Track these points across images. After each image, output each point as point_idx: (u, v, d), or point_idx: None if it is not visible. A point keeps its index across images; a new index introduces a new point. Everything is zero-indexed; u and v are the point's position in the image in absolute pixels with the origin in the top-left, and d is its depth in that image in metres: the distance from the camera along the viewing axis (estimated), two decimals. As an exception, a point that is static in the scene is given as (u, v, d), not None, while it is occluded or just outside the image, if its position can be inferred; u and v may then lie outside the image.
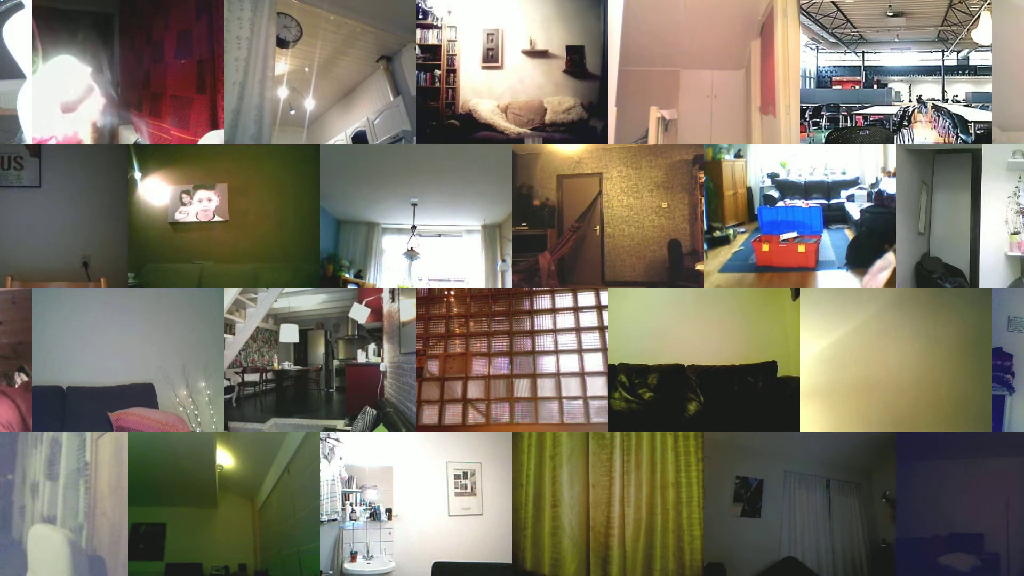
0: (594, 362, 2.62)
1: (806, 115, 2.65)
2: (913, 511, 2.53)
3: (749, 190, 2.83)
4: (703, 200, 2.61)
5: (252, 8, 2.52)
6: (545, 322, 2.69)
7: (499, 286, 2.70)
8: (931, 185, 2.68)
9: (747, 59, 2.84)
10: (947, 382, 2.51)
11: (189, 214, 2.62)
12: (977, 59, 2.71)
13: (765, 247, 2.68)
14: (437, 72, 2.64)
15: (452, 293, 2.70)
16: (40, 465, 2.60)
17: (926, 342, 2.52)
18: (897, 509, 2.54)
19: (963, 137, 2.64)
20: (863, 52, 2.65)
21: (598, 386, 2.59)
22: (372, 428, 2.60)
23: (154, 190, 2.62)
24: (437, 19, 2.62)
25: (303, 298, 2.82)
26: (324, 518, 2.52)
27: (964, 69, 2.75)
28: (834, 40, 2.81)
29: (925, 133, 2.71)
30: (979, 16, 2.62)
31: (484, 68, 2.62)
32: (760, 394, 2.54)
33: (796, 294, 2.55)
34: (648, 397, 2.58)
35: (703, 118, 2.85)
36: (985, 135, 2.57)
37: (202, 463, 2.54)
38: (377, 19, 2.54)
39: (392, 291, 2.63)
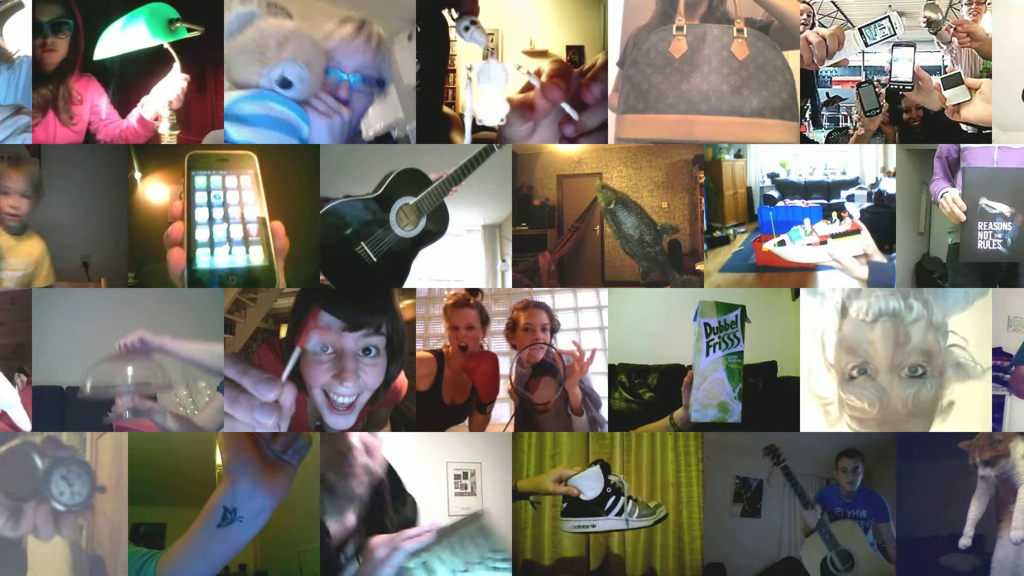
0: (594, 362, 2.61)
1: (806, 115, 2.64)
2: (913, 511, 2.53)
3: (749, 190, 2.83)
4: (703, 200, 2.61)
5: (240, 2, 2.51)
6: (545, 322, 2.68)
7: (499, 286, 2.70)
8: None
9: (747, 59, 2.84)
10: (947, 382, 2.51)
11: (189, 214, 2.61)
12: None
13: (765, 247, 2.67)
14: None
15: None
16: (40, 465, 2.60)
17: (926, 342, 2.52)
18: (897, 509, 2.54)
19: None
20: (863, 52, 2.65)
21: (598, 386, 2.59)
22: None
23: (154, 190, 2.62)
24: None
25: (303, 298, 2.82)
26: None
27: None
28: (834, 40, 2.80)
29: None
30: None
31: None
32: (760, 394, 2.54)
33: (796, 294, 2.55)
34: (648, 397, 2.58)
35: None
36: (984, 135, 2.57)
37: (202, 463, 2.54)
38: (369, 8, 2.52)
39: (392, 291, 2.62)
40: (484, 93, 2.36)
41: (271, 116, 2.32)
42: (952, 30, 2.55)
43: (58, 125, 2.54)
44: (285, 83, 2.31)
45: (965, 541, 2.48)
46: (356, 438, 2.09)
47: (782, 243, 2.53)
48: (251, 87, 2.33)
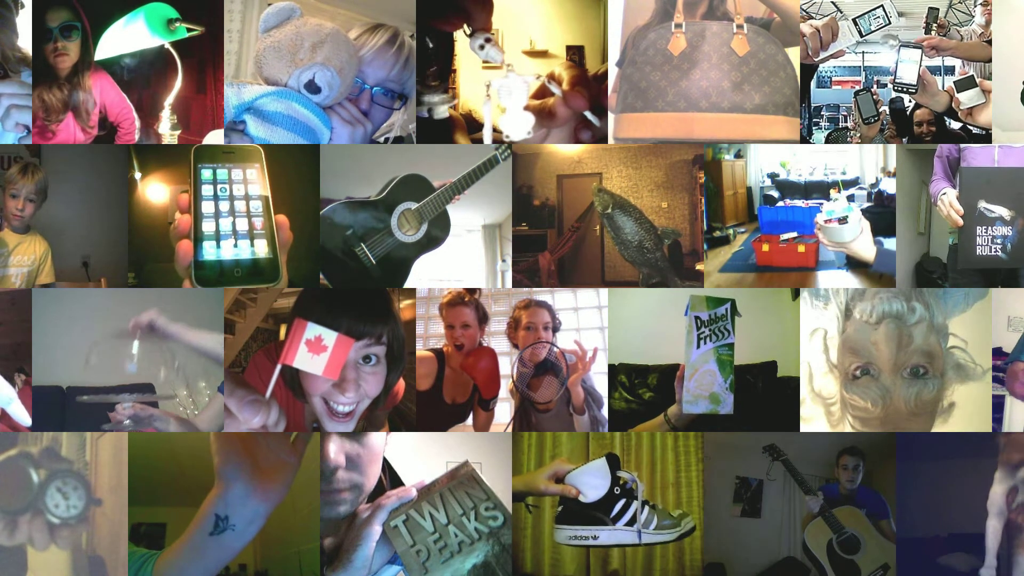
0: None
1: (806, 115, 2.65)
2: (913, 511, 2.53)
3: (749, 190, 2.83)
4: (703, 200, 2.61)
5: (242, 0, 2.51)
6: (545, 322, 2.68)
7: (499, 286, 2.70)
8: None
9: (747, 59, 2.84)
10: (948, 383, 2.51)
11: (189, 214, 2.61)
12: (977, 59, 2.71)
13: (765, 247, 2.68)
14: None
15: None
16: (40, 465, 2.60)
17: (926, 342, 2.52)
18: (897, 509, 2.54)
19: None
20: (863, 52, 2.65)
21: (598, 386, 2.58)
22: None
23: (154, 190, 2.62)
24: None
25: (303, 298, 2.81)
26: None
27: (964, 69, 2.75)
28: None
29: (925, 133, 2.71)
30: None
31: (484, 68, 2.62)
32: (760, 394, 2.54)
33: (796, 294, 2.55)
34: (648, 397, 2.57)
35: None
36: (985, 135, 2.57)
37: (202, 463, 2.54)
38: (372, 9, 2.52)
39: (391, 290, 2.63)
40: (507, 108, 2.35)
41: (292, 117, 2.31)
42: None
43: (77, 126, 2.56)
44: (313, 87, 2.28)
45: (990, 573, 2.44)
46: (339, 452, 2.03)
47: (844, 220, 2.47)
48: (279, 85, 2.31)
